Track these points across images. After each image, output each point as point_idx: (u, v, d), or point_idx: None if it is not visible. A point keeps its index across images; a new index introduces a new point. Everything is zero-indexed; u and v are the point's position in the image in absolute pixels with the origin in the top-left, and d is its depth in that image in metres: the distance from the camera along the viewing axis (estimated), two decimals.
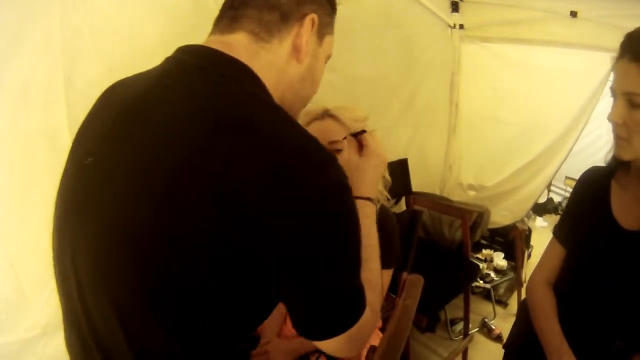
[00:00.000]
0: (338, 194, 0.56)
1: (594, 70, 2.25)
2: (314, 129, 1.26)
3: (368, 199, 0.84)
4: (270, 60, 0.67)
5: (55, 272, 0.72)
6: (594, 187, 1.15)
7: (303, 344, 1.22)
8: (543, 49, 2.54)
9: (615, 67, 0.93)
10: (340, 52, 1.87)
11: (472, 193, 3.08)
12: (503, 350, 1.37)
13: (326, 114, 1.25)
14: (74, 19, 1.07)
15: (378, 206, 1.29)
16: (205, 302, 0.57)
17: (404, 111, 2.53)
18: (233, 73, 0.62)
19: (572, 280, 1.17)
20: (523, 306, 1.31)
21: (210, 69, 0.62)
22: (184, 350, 0.59)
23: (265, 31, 0.67)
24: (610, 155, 1.14)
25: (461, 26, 2.82)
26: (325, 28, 0.74)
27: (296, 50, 0.69)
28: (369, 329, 0.66)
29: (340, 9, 1.88)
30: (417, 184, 2.65)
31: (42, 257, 1.08)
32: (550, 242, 1.25)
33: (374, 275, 0.73)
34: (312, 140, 0.57)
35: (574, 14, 2.24)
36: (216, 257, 0.54)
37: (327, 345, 0.63)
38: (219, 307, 0.58)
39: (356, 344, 0.65)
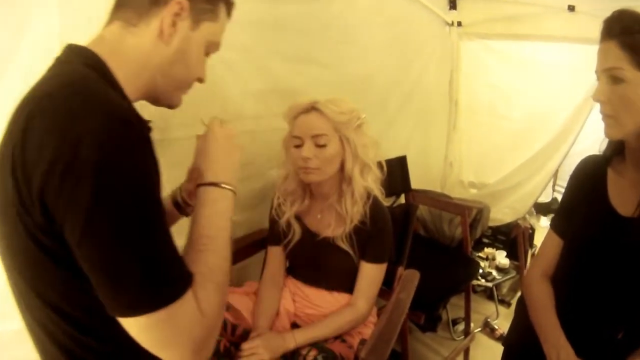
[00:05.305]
0: (98, 166, 0.55)
1: (592, 64, 2.21)
2: (299, 122, 1.26)
3: (212, 184, 0.79)
4: (136, 43, 0.72)
5: None
6: (590, 176, 1.14)
7: (295, 338, 1.20)
8: (542, 44, 2.54)
9: (597, 53, 0.96)
10: (332, 48, 1.88)
11: (473, 191, 3.05)
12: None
13: (312, 108, 1.25)
14: (73, 17, 1.07)
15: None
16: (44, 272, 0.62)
17: (401, 108, 2.52)
18: (72, 58, 0.69)
19: (571, 270, 1.15)
20: (521, 301, 1.30)
21: (61, 59, 0.70)
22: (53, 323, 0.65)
23: (136, 15, 0.72)
24: (605, 144, 1.13)
25: (459, 23, 2.82)
26: (202, 14, 0.77)
27: (161, 33, 0.73)
28: (192, 328, 0.62)
29: (333, 5, 1.89)
30: (418, 181, 2.64)
31: None
32: (547, 234, 1.24)
33: (211, 270, 0.69)
34: (96, 113, 0.57)
35: (571, 8, 2.25)
36: (27, 224, 0.59)
37: (131, 328, 0.60)
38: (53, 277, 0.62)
39: (170, 340, 0.61)
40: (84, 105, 0.58)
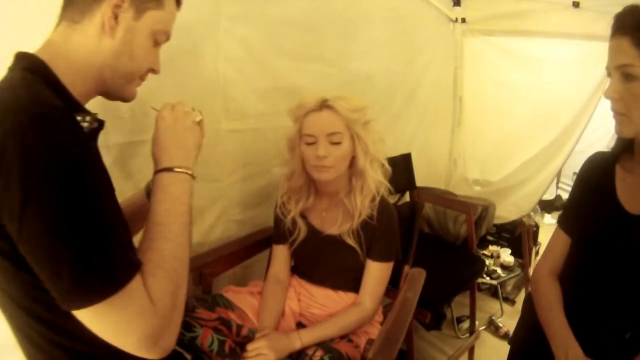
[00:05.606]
0: (22, 163, 0.55)
1: (597, 61, 2.22)
2: (311, 121, 1.25)
3: (165, 169, 0.79)
4: (81, 41, 0.73)
5: None
6: (598, 173, 1.13)
7: (301, 337, 1.19)
8: (546, 41, 2.52)
9: (608, 49, 0.93)
10: (335, 45, 1.86)
11: (477, 188, 3.04)
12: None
13: (323, 106, 1.24)
14: None
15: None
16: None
17: (406, 106, 2.50)
18: (16, 65, 0.70)
19: (578, 269, 1.14)
20: (528, 300, 1.29)
21: (10, 67, 0.70)
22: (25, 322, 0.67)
23: (79, 13, 0.73)
24: (614, 140, 1.12)
25: (463, 20, 2.81)
26: (145, 4, 0.77)
27: (103, 26, 0.73)
28: (143, 316, 0.62)
29: (337, 2, 1.87)
30: (422, 179, 2.62)
31: None
32: (555, 232, 1.22)
33: (162, 258, 0.69)
34: (24, 108, 0.59)
35: (576, 5, 2.23)
36: None
37: (83, 320, 0.60)
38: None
39: (121, 329, 0.62)
40: (12, 106, 0.59)
